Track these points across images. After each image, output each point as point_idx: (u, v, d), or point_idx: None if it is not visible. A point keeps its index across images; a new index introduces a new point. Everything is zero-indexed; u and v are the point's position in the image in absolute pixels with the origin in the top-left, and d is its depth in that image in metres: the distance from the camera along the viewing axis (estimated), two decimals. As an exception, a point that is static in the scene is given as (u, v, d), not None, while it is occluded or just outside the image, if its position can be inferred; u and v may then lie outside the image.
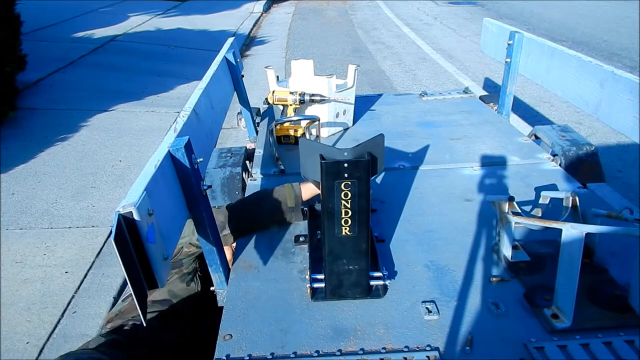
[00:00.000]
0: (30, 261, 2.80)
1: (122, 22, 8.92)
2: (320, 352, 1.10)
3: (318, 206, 1.61)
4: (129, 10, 9.97)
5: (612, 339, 1.09)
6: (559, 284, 1.15)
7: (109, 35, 7.82)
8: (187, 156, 1.15)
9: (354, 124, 2.41)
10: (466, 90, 2.86)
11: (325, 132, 2.26)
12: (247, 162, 2.23)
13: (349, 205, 1.15)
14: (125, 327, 1.43)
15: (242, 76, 2.38)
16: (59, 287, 2.60)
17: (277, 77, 2.28)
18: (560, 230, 1.13)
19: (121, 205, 0.91)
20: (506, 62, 2.44)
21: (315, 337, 1.15)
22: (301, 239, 1.51)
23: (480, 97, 2.78)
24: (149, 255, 0.95)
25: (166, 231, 1.05)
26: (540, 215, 1.49)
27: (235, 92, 2.32)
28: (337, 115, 2.28)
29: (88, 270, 2.72)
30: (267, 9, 12.19)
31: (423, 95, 2.80)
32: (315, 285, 1.27)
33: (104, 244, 2.95)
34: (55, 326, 2.35)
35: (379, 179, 1.87)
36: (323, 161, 1.11)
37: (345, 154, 1.14)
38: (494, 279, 1.30)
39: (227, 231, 1.50)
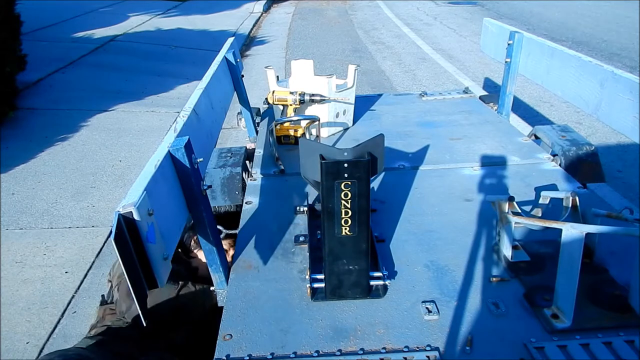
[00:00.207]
0: (30, 261, 2.80)
1: (122, 22, 8.92)
2: (320, 352, 1.10)
3: (318, 206, 1.61)
4: (129, 10, 9.97)
5: (612, 339, 1.09)
6: (559, 284, 1.15)
7: (109, 35, 7.82)
8: (187, 156, 1.15)
9: (354, 124, 2.41)
10: (466, 90, 2.86)
11: (325, 132, 2.25)
12: (247, 162, 2.23)
13: (349, 205, 1.15)
14: (109, 329, 1.46)
15: (242, 76, 2.38)
16: (59, 287, 2.59)
17: (277, 77, 2.28)
18: (560, 230, 1.13)
19: (121, 205, 0.91)
20: (506, 62, 2.44)
21: (315, 337, 1.15)
22: (301, 239, 1.51)
23: (480, 97, 2.78)
24: (149, 255, 0.95)
25: (166, 231, 1.06)
26: (540, 215, 1.49)
27: (235, 92, 2.32)
28: (337, 115, 2.28)
29: (88, 270, 2.72)
30: (267, 9, 12.19)
31: (423, 95, 2.80)
32: (315, 285, 1.27)
33: (104, 244, 2.95)
34: (55, 326, 2.35)
35: (379, 179, 1.87)
36: (323, 161, 1.12)
37: (345, 154, 1.14)
38: (494, 279, 1.30)
39: None
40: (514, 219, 1.31)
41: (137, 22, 9.04)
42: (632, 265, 1.14)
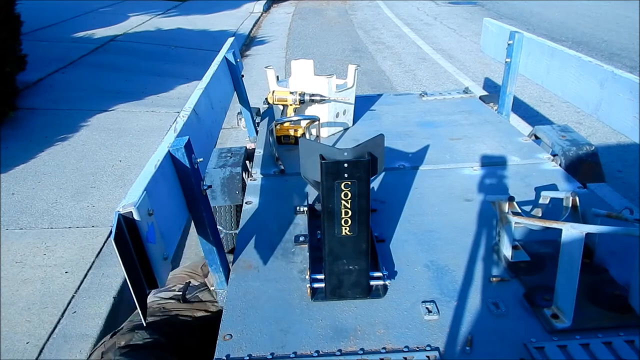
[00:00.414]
0: (30, 261, 2.80)
1: (122, 22, 8.91)
2: (320, 352, 1.10)
3: (318, 206, 1.62)
4: (129, 10, 9.97)
5: (612, 339, 1.09)
6: (559, 284, 1.15)
7: (109, 35, 7.82)
8: (187, 156, 1.16)
9: (354, 124, 2.41)
10: (466, 90, 2.86)
11: (325, 132, 2.25)
12: (247, 162, 2.23)
13: (349, 205, 1.15)
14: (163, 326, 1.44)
15: (242, 76, 2.38)
16: (59, 287, 2.59)
17: (277, 77, 2.28)
18: (560, 230, 1.13)
19: (121, 205, 0.91)
20: (506, 62, 2.44)
21: (315, 337, 1.15)
22: (301, 239, 1.51)
23: (480, 97, 2.78)
24: (149, 255, 0.95)
25: (166, 231, 1.06)
26: (540, 215, 1.49)
27: (235, 92, 2.32)
28: (337, 115, 2.28)
29: (88, 270, 2.72)
30: (267, 9, 12.19)
31: (423, 95, 2.80)
32: (315, 285, 1.27)
33: (104, 244, 2.95)
34: (55, 326, 2.35)
35: (379, 179, 1.87)
36: (323, 161, 1.12)
37: (345, 154, 1.14)
38: (494, 279, 1.30)
39: None
40: (514, 219, 1.31)
41: (137, 22, 9.04)
42: (632, 265, 1.14)
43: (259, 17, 10.95)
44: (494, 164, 1.95)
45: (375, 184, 1.83)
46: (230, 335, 1.16)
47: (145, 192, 0.96)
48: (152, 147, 4.11)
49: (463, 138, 2.20)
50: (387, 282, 1.27)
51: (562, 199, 1.41)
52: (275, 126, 2.13)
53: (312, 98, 2.14)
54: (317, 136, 2.17)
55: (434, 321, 1.18)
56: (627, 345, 1.07)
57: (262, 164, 2.04)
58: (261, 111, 2.70)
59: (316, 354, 1.10)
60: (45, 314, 2.42)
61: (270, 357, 1.09)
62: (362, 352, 1.10)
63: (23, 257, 2.83)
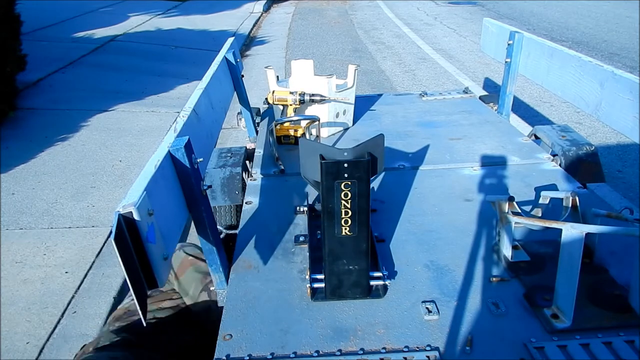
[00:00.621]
0: (30, 261, 2.80)
1: (122, 22, 8.91)
2: (320, 352, 1.10)
3: (318, 206, 1.62)
4: (129, 10, 9.97)
5: (612, 339, 1.09)
6: (559, 284, 1.15)
7: (109, 35, 7.82)
8: (187, 156, 1.16)
9: (354, 124, 2.41)
10: (466, 90, 2.86)
11: (325, 132, 2.26)
12: (247, 162, 2.23)
13: (349, 206, 1.15)
14: (133, 326, 1.43)
15: (242, 76, 2.38)
16: (59, 287, 2.59)
17: (277, 77, 2.28)
18: (560, 230, 1.13)
19: (121, 205, 0.91)
20: (506, 62, 2.44)
21: (315, 337, 1.15)
22: (301, 239, 1.51)
23: (480, 97, 2.78)
24: (149, 255, 0.95)
25: (166, 231, 1.06)
26: (540, 215, 1.49)
27: (235, 92, 2.32)
28: (337, 115, 2.28)
29: (88, 270, 2.72)
30: (267, 9, 12.18)
31: (423, 95, 2.80)
32: (315, 285, 1.27)
33: (104, 244, 2.95)
34: (55, 326, 2.35)
35: (379, 179, 1.87)
36: (323, 161, 1.12)
37: (345, 154, 1.14)
38: (494, 279, 1.30)
39: None
40: (514, 219, 1.31)
41: (137, 22, 9.04)
42: (632, 265, 1.14)
43: (259, 17, 10.95)
44: (493, 164, 1.95)
45: (375, 184, 1.83)
46: (230, 335, 1.16)
47: (145, 192, 0.96)
48: (152, 147, 4.11)
49: (463, 138, 2.20)
50: (387, 282, 1.27)
51: (562, 199, 1.41)
52: (275, 126, 2.13)
53: (312, 98, 2.14)
54: (317, 136, 2.17)
55: (434, 321, 1.18)
56: (627, 345, 1.07)
57: (262, 164, 2.04)
58: (261, 111, 2.70)
59: (316, 354, 1.10)
60: (45, 314, 2.42)
61: (270, 357, 1.09)
62: (362, 352, 1.10)
63: (23, 257, 2.83)
